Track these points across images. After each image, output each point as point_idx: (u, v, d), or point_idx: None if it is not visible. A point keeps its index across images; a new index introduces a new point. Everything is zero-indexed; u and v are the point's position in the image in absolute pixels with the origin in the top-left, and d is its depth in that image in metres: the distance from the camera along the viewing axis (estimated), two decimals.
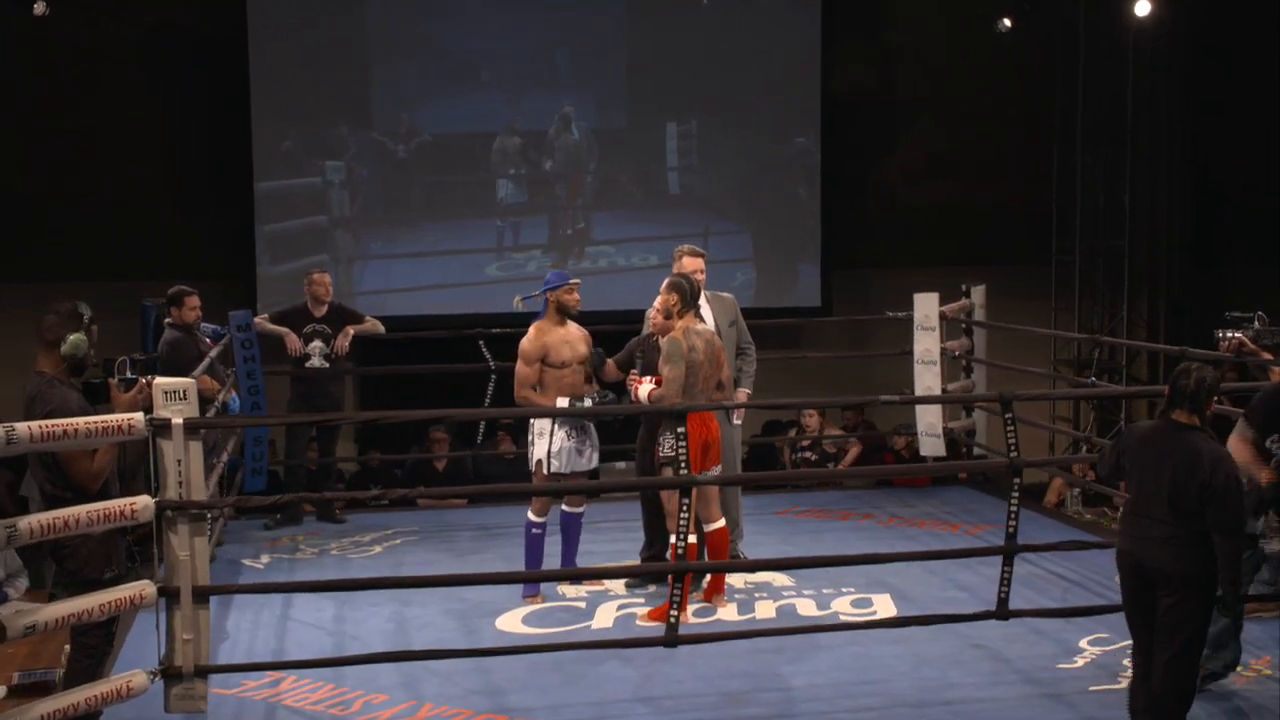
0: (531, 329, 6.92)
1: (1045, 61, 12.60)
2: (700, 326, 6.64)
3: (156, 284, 9.22)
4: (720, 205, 12.21)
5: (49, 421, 4.27)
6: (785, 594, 6.96)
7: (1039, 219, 12.69)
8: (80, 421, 4.34)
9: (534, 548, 6.96)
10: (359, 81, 11.68)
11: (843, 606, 6.75)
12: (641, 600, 6.89)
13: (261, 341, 8.52)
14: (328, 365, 8.77)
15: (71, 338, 4.65)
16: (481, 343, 9.21)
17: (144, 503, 4.58)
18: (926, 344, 9.47)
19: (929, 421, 9.57)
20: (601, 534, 8.13)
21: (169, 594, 4.70)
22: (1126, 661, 5.81)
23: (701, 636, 5.65)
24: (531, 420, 6.95)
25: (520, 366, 6.85)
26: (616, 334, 8.39)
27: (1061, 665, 5.85)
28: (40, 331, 4.70)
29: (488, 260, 11.87)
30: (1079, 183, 12.49)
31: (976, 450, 9.91)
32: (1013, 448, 5.67)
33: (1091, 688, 5.58)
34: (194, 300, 8.05)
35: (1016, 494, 5.77)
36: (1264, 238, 12.14)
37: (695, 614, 6.60)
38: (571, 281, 6.97)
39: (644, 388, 6.57)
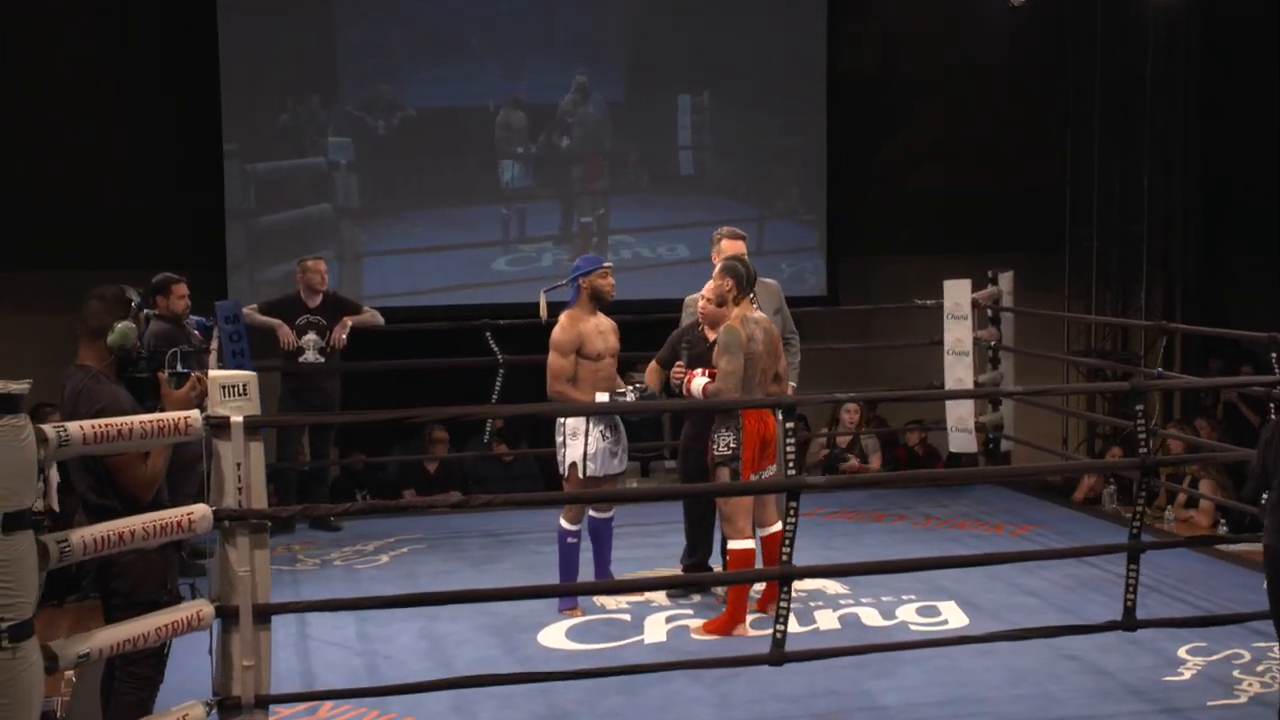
0: (564, 318, 6.57)
1: (1059, 40, 12.45)
2: (757, 314, 6.33)
3: (117, 274, 8.77)
4: (741, 191, 11.90)
5: (101, 421, 3.88)
6: (843, 603, 6.69)
7: (1051, 204, 12.54)
8: (136, 420, 3.96)
9: (570, 558, 6.64)
10: (330, 50, 11.14)
11: (909, 615, 6.50)
12: (690, 611, 6.60)
13: (250, 335, 8.11)
14: (323, 360, 8.38)
15: (119, 326, 4.23)
16: (488, 335, 8.84)
17: (202, 512, 4.20)
18: (958, 333, 9.25)
19: (959, 416, 9.35)
20: (621, 539, 7.87)
21: (226, 614, 4.32)
22: (1237, 673, 5.63)
23: (808, 653, 5.35)
24: (562, 419, 6.61)
25: (554, 359, 6.50)
26: (641, 324, 8.10)
27: (1168, 678, 5.60)
28: (83, 320, 4.28)
29: (493, 254, 11.40)
30: (1096, 167, 12.35)
31: (1004, 445, 9.71)
32: (1142, 443, 5.41)
33: (1209, 702, 5.33)
34: (182, 288, 7.60)
35: (1144, 493, 5.51)
36: (1265, 228, 12.18)
37: (753, 625, 6.34)
38: (606, 265, 6.64)
39: (697, 381, 6.25)
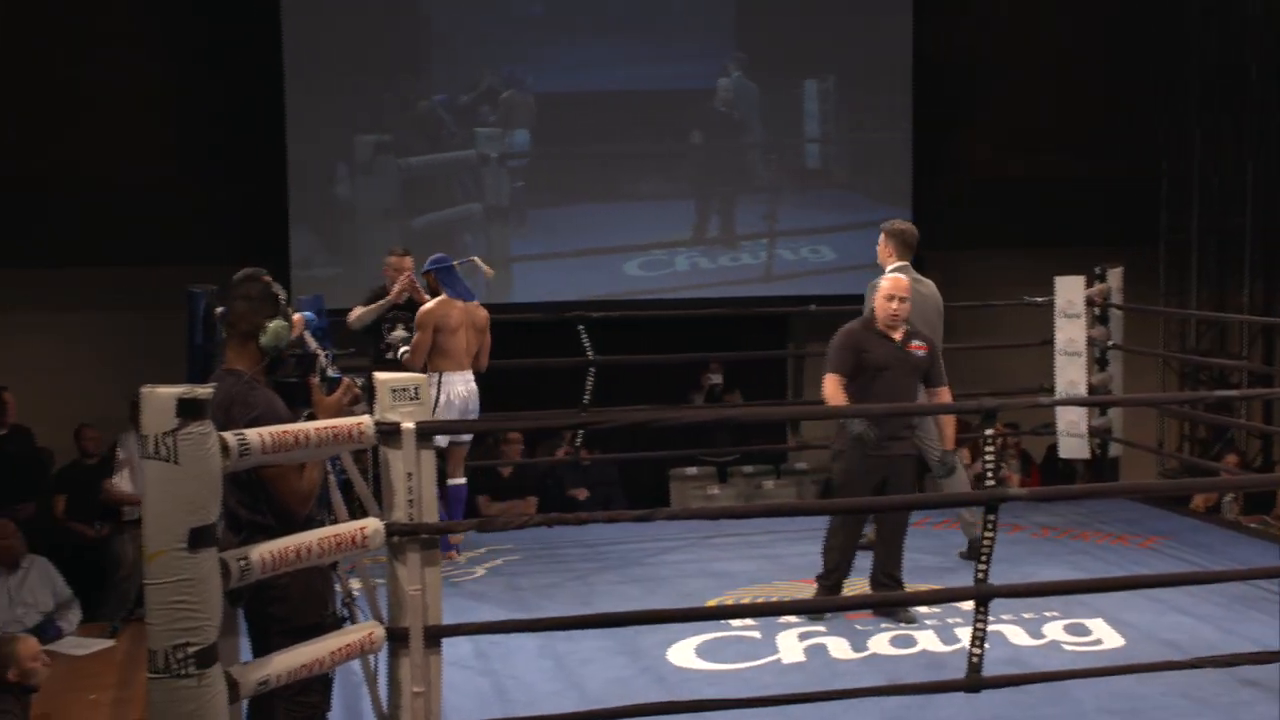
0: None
1: (1155, 21, 12.24)
2: None
3: (177, 269, 8.74)
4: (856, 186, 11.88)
5: (279, 428, 3.69)
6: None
7: (1144, 195, 12.33)
8: (311, 428, 3.77)
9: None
10: (416, 30, 11.08)
11: (1058, 634, 6.28)
12: (823, 629, 6.40)
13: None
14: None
15: (271, 325, 4.00)
16: (580, 328, 8.58)
17: (374, 527, 4.02)
18: (1070, 332, 9.07)
19: (1070, 420, 9.18)
20: (724, 550, 7.90)
21: (395, 637, 4.14)
22: None
23: (1005, 679, 5.14)
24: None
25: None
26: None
27: None
28: (231, 321, 4.05)
29: (623, 258, 11.31)
30: (1196, 156, 12.14)
31: (1113, 450, 9.52)
32: None
33: None
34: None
35: None
36: None
37: (891, 642, 6.18)
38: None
39: None
